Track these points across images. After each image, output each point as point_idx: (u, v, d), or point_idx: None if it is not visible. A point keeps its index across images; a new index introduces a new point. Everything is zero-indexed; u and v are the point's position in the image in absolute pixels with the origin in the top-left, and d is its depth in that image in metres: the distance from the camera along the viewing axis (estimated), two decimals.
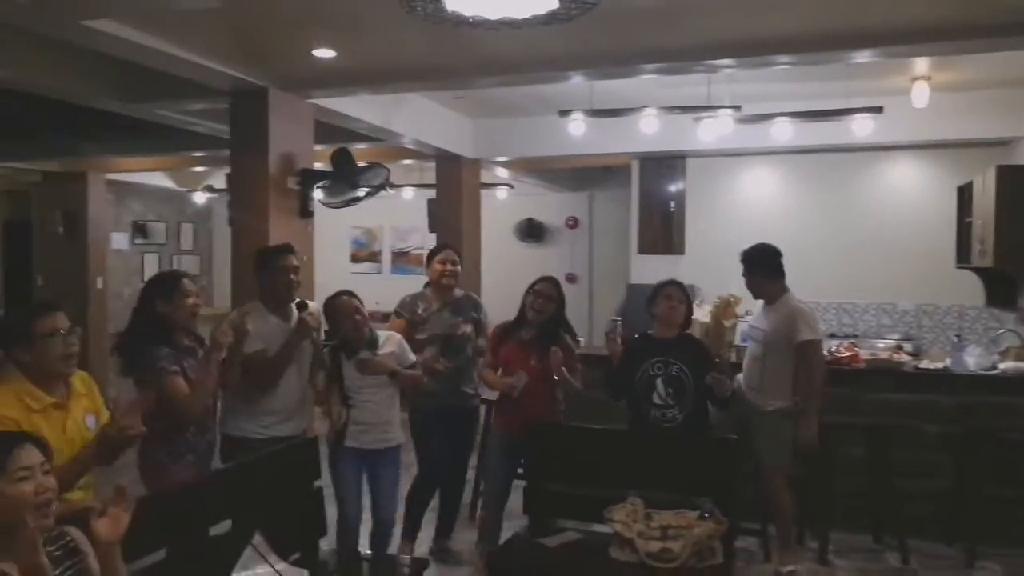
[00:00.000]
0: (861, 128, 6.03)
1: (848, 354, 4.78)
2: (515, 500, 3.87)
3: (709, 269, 6.91)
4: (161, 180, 10.35)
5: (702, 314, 5.12)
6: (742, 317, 4.88)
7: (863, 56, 4.67)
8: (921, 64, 5.69)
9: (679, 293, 3.79)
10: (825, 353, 4.80)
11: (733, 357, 4.74)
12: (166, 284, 3.12)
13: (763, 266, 4.11)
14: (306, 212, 5.49)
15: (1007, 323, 6.16)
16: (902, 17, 4.18)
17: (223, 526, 2.67)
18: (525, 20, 2.54)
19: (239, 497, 2.83)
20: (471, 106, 7.37)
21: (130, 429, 2.39)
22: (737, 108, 5.69)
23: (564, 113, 6.02)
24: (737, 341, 4.87)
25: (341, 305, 3.58)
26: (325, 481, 3.39)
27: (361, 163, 5.63)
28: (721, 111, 5.72)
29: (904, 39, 4.39)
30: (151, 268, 10.83)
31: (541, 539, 3.38)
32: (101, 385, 2.74)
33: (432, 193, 8.47)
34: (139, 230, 10.83)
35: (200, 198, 10.65)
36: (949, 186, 6.82)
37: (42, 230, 9.37)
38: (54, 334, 2.44)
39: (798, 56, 4.70)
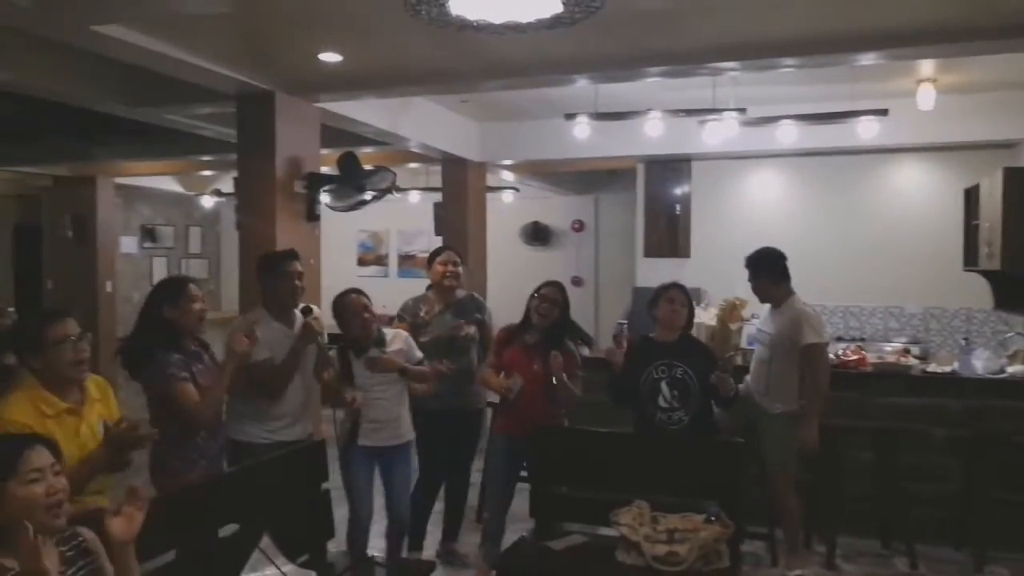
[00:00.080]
0: (867, 130, 6.02)
1: (855, 357, 4.77)
2: (521, 503, 3.87)
3: (715, 272, 6.91)
4: (169, 184, 10.39)
5: (708, 317, 5.12)
6: (748, 320, 4.89)
7: (868, 58, 4.66)
8: (927, 66, 5.68)
9: (681, 296, 3.79)
10: (832, 356, 4.80)
11: (739, 360, 4.74)
12: (172, 289, 3.12)
13: (768, 270, 4.11)
14: (313, 215, 5.51)
15: (1015, 326, 6.14)
16: (907, 19, 4.18)
17: (232, 528, 2.68)
18: (529, 24, 2.55)
19: (248, 499, 2.84)
20: (477, 110, 7.39)
21: (137, 429, 2.41)
22: (742, 111, 5.69)
23: (569, 116, 6.03)
24: (743, 344, 4.87)
25: (350, 303, 3.60)
26: (333, 483, 3.40)
27: (367, 167, 5.65)
28: (726, 114, 5.72)
29: (909, 41, 4.38)
30: (160, 272, 10.87)
31: (547, 542, 3.38)
32: (113, 390, 2.76)
33: (438, 196, 8.49)
34: (148, 234, 10.88)
35: (208, 202, 10.69)
36: (956, 188, 6.80)
37: (52, 234, 9.42)
38: (64, 340, 2.46)
39: (803, 59, 4.69)
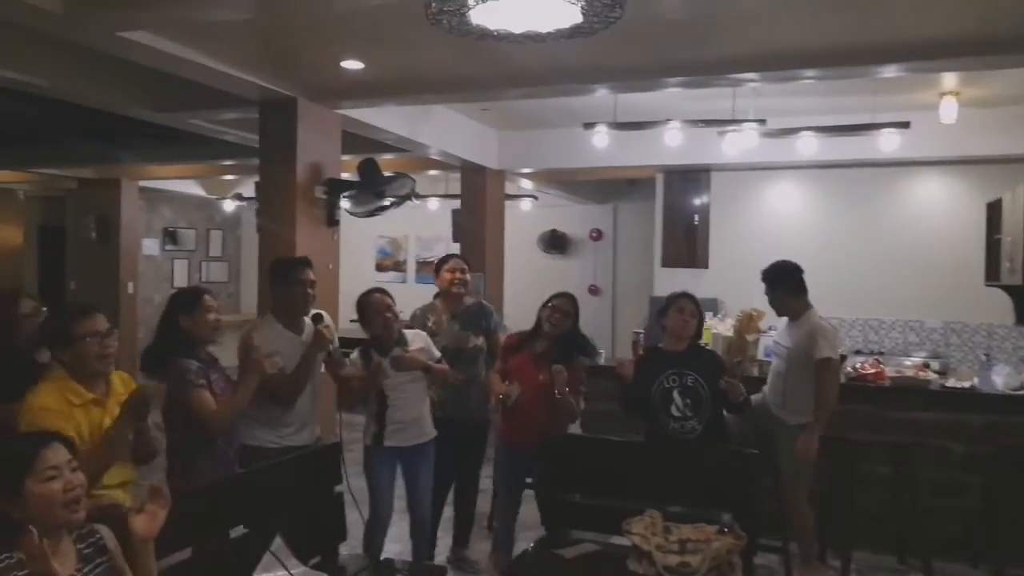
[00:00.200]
0: (888, 143, 5.99)
1: (873, 371, 4.73)
2: (534, 511, 3.87)
3: (733, 283, 6.89)
4: (192, 188, 10.53)
5: (725, 328, 5.11)
6: (765, 332, 4.87)
7: (890, 71, 4.63)
8: (950, 79, 5.64)
9: (691, 306, 3.78)
10: (849, 369, 4.78)
11: (756, 372, 4.73)
12: (188, 299, 3.14)
13: (784, 283, 4.10)
14: (333, 221, 5.56)
15: None
16: (930, 32, 4.16)
17: (246, 529, 2.70)
18: (549, 34, 2.57)
19: (262, 502, 2.86)
20: (496, 118, 7.42)
21: (146, 389, 2.50)
22: (762, 122, 5.68)
23: (589, 126, 6.05)
24: (760, 356, 4.85)
25: (373, 302, 3.64)
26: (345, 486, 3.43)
27: (387, 173, 5.69)
28: (746, 125, 5.71)
29: (932, 54, 4.36)
30: (181, 274, 11.01)
31: (558, 550, 3.38)
32: None
33: (457, 203, 8.52)
34: (169, 236, 11.01)
35: (229, 206, 10.81)
36: (978, 202, 6.75)
37: (75, 235, 9.56)
38: (92, 335, 2.54)
39: (824, 70, 4.68)
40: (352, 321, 3.94)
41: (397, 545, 4.02)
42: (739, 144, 6.04)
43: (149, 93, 5.67)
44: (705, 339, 4.90)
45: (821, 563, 4.23)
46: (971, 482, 4.41)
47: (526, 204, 9.77)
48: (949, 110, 5.86)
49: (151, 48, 4.12)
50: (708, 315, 5.49)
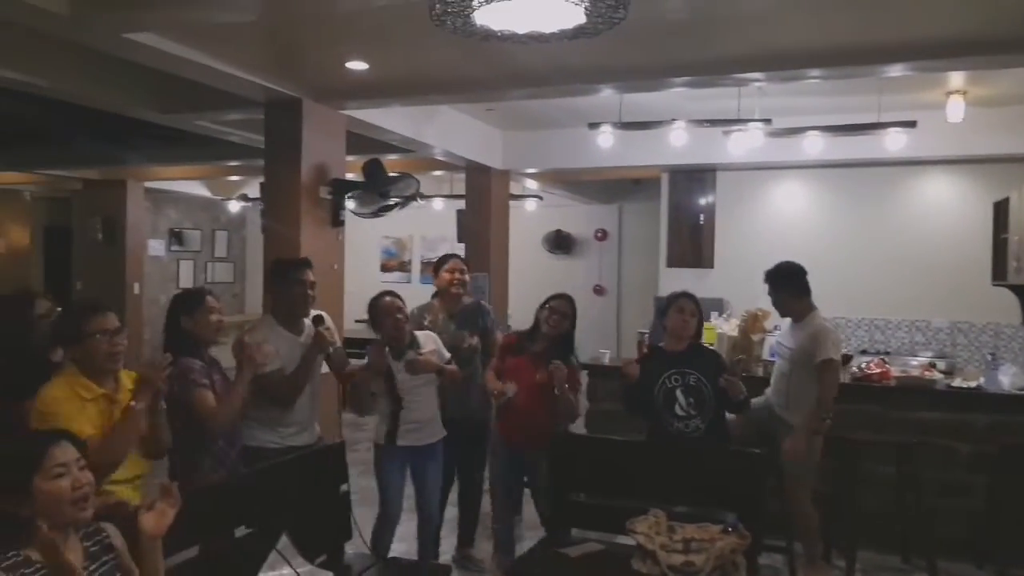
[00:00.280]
0: (894, 142, 5.98)
1: (878, 370, 4.72)
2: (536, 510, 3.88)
3: (738, 283, 6.88)
4: (197, 189, 10.56)
5: (730, 328, 5.11)
6: (770, 332, 4.86)
7: (896, 70, 4.62)
8: (956, 78, 5.63)
9: (691, 306, 3.77)
10: (855, 369, 4.77)
11: (760, 372, 4.72)
12: (190, 301, 3.15)
13: (787, 284, 4.10)
14: (337, 221, 5.57)
15: None
16: (936, 31, 4.15)
17: (252, 528, 2.71)
18: (553, 34, 2.57)
19: (268, 501, 2.87)
20: (501, 118, 7.43)
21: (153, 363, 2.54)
22: (767, 121, 5.67)
23: (593, 126, 6.05)
24: (765, 356, 4.84)
25: (383, 305, 3.67)
26: (353, 485, 3.43)
27: (392, 173, 5.71)
28: (751, 124, 5.70)
29: (938, 53, 4.35)
30: (186, 274, 11.05)
31: (562, 549, 3.39)
32: None
33: (462, 204, 8.54)
34: (175, 237, 11.05)
35: (234, 206, 10.84)
36: (985, 201, 6.73)
37: (82, 236, 9.60)
38: (102, 332, 2.57)
39: (830, 70, 4.67)
40: (357, 321, 3.96)
41: (403, 544, 4.03)
42: (744, 144, 6.04)
43: (155, 94, 5.70)
44: (710, 339, 4.91)
45: (826, 563, 4.22)
46: (976, 482, 4.40)
47: (531, 204, 9.77)
48: (956, 109, 5.85)
49: (157, 50, 4.14)
50: (713, 315, 5.51)
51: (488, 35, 2.56)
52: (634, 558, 3.09)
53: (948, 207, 7.28)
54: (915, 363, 5.68)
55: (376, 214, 5.75)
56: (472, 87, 5.31)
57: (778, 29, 4.19)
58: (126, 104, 5.71)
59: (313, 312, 3.52)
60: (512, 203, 8.72)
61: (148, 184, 9.60)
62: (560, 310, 3.84)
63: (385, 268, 11.55)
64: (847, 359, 5.08)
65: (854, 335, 7.51)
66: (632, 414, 3.84)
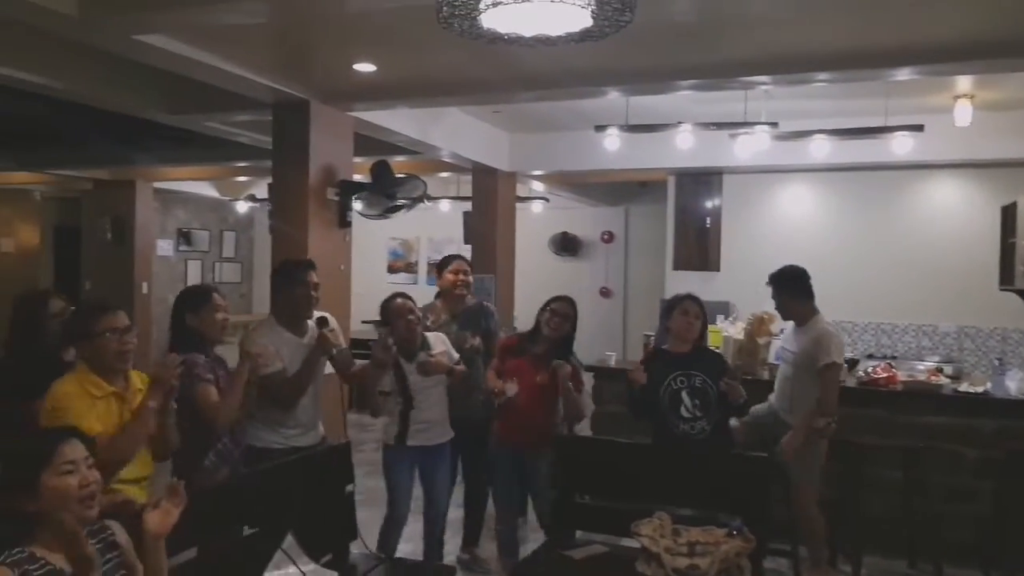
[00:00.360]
0: (901, 146, 5.96)
1: (885, 375, 4.71)
2: None
3: (744, 286, 6.87)
4: (205, 189, 10.61)
5: (736, 331, 5.10)
6: (776, 335, 4.86)
7: (903, 74, 4.62)
8: (964, 82, 5.62)
9: (695, 308, 3.77)
10: (861, 373, 4.76)
11: (766, 375, 4.72)
12: (196, 298, 3.15)
13: (791, 288, 4.10)
14: (344, 222, 5.59)
15: None
16: (944, 34, 4.14)
17: (256, 527, 2.72)
18: (559, 37, 2.57)
19: (273, 500, 2.88)
20: (508, 120, 7.44)
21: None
22: (774, 125, 5.67)
23: (600, 128, 6.06)
24: (771, 359, 4.84)
25: (396, 307, 3.72)
26: (358, 486, 3.44)
27: (399, 175, 5.72)
28: (758, 127, 5.70)
29: (946, 57, 4.34)
30: (194, 274, 11.10)
31: (567, 551, 3.39)
32: None
33: (468, 205, 8.54)
34: (183, 237, 11.10)
35: (242, 207, 10.89)
36: (992, 206, 6.70)
37: (91, 236, 9.65)
38: (112, 331, 2.59)
39: (837, 73, 4.67)
40: (364, 322, 3.97)
41: (407, 545, 4.03)
42: (751, 147, 6.03)
43: (164, 96, 5.73)
44: (716, 342, 4.91)
45: (831, 567, 4.21)
46: (983, 487, 4.38)
47: (537, 206, 9.78)
48: (964, 113, 5.83)
49: (166, 51, 4.16)
50: (719, 318, 5.50)
51: (495, 38, 2.57)
52: (638, 561, 3.09)
53: (955, 211, 7.25)
54: (922, 367, 5.66)
55: (383, 215, 5.76)
56: (479, 89, 5.33)
57: (785, 32, 4.19)
58: (136, 105, 5.74)
59: (317, 314, 3.51)
60: (518, 205, 8.73)
61: (157, 184, 9.64)
62: (561, 312, 3.85)
63: (392, 269, 11.58)
64: (853, 363, 5.07)
65: (861, 339, 7.49)
66: (637, 419, 3.85)
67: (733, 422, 4.03)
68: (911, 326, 7.42)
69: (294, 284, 3.48)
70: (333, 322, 3.54)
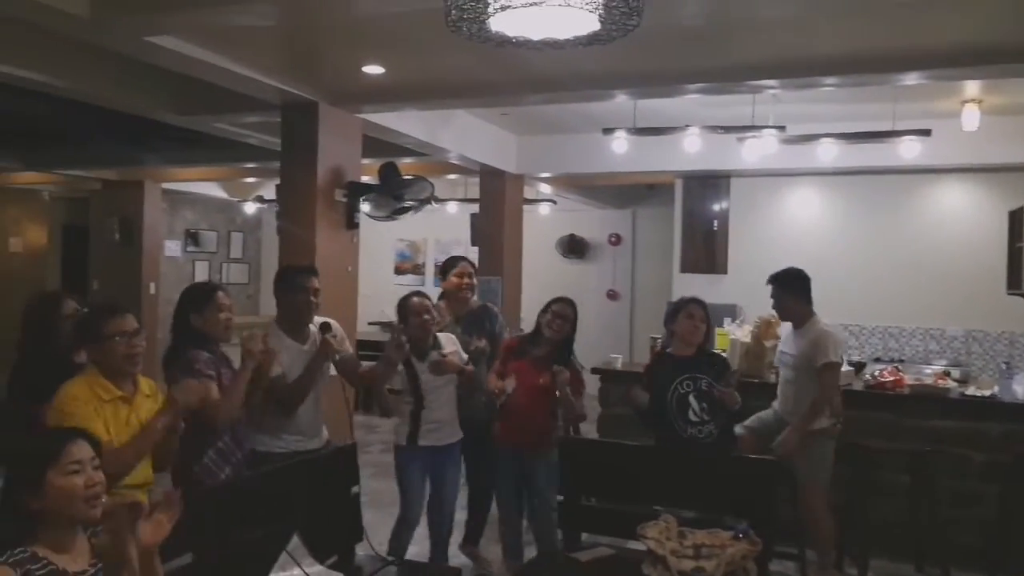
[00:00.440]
0: (908, 150, 5.95)
1: (892, 378, 4.71)
2: None
3: (751, 289, 6.80)
4: (213, 190, 10.64)
5: (742, 334, 5.10)
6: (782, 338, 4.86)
7: (911, 78, 4.62)
8: (972, 87, 5.61)
9: (700, 311, 3.78)
10: (868, 376, 4.76)
11: (773, 378, 4.72)
12: (200, 296, 3.13)
13: (793, 289, 4.12)
14: (352, 224, 5.61)
15: None
16: (952, 39, 4.14)
17: (262, 529, 2.73)
18: (567, 41, 2.58)
19: (278, 502, 2.89)
20: (516, 123, 7.45)
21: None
22: (782, 128, 5.67)
23: (608, 131, 6.06)
24: (777, 362, 4.83)
25: (413, 305, 3.75)
26: (365, 487, 3.45)
27: (407, 177, 5.74)
28: (766, 131, 5.70)
29: (954, 61, 4.34)
30: (202, 275, 11.13)
31: (572, 554, 3.39)
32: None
33: (476, 207, 8.56)
34: (191, 238, 11.13)
35: (250, 208, 10.91)
36: (1000, 210, 6.69)
37: (99, 236, 9.69)
38: (121, 334, 2.59)
39: (844, 77, 4.67)
40: (370, 324, 3.98)
41: (413, 547, 4.04)
42: (759, 150, 6.03)
43: (173, 97, 5.75)
44: (723, 345, 4.91)
45: (838, 571, 4.21)
46: (990, 491, 4.37)
47: (545, 208, 9.79)
48: (971, 118, 5.83)
49: (176, 52, 4.19)
50: (726, 321, 5.50)
51: (503, 41, 2.58)
52: (644, 563, 3.09)
53: (963, 215, 7.24)
54: (929, 371, 5.65)
55: (391, 217, 5.78)
56: (487, 92, 5.34)
57: (793, 36, 4.19)
58: (145, 106, 5.77)
59: (320, 319, 3.50)
60: (526, 207, 8.74)
61: (165, 185, 9.67)
62: (562, 314, 3.85)
63: (399, 271, 11.59)
64: (860, 366, 5.06)
65: (868, 343, 7.48)
66: (649, 428, 3.86)
67: (738, 430, 4.04)
68: (918, 330, 7.40)
69: (295, 290, 3.45)
70: (336, 328, 3.53)
